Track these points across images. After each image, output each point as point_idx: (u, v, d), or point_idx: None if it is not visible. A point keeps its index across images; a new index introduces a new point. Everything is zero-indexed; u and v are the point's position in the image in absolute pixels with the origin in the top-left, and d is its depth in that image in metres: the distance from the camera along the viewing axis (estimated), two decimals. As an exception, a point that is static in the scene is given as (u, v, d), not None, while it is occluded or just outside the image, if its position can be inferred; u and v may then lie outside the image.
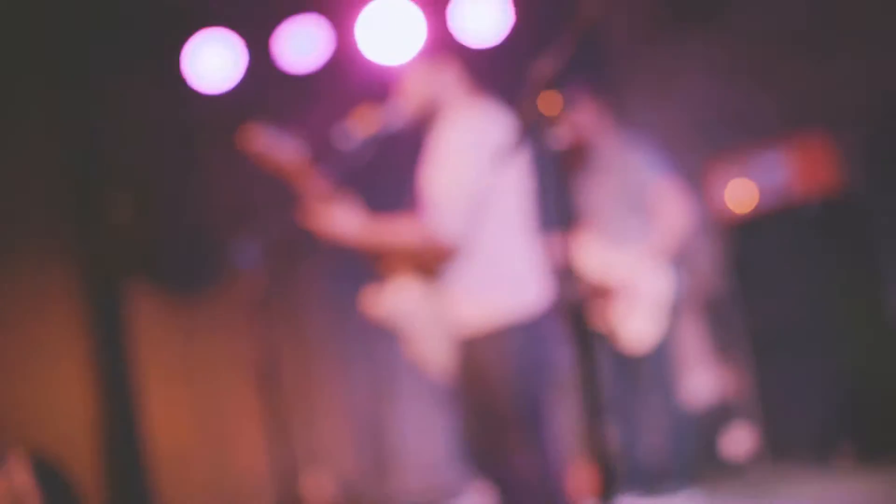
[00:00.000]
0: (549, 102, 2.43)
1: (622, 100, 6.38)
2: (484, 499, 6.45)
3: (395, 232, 3.62)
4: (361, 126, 3.72)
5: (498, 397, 3.56)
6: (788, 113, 6.94)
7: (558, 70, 2.43)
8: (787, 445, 6.00)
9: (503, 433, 3.56)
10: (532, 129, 2.43)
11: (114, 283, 6.16)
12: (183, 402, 6.60)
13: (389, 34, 5.74)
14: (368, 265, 3.82)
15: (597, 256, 5.33)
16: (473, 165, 3.56)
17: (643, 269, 5.26)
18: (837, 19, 6.61)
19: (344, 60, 6.06)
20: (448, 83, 3.82)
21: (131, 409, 6.03)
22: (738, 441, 6.17)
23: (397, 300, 3.70)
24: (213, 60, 6.23)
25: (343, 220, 3.60)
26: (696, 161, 6.44)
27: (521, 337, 3.58)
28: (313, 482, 6.46)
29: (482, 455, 3.66)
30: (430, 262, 3.59)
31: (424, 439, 6.87)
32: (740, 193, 6.31)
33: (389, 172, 4.16)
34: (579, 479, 6.26)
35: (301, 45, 6.26)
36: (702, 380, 6.23)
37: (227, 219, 6.68)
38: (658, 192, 5.37)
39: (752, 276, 6.23)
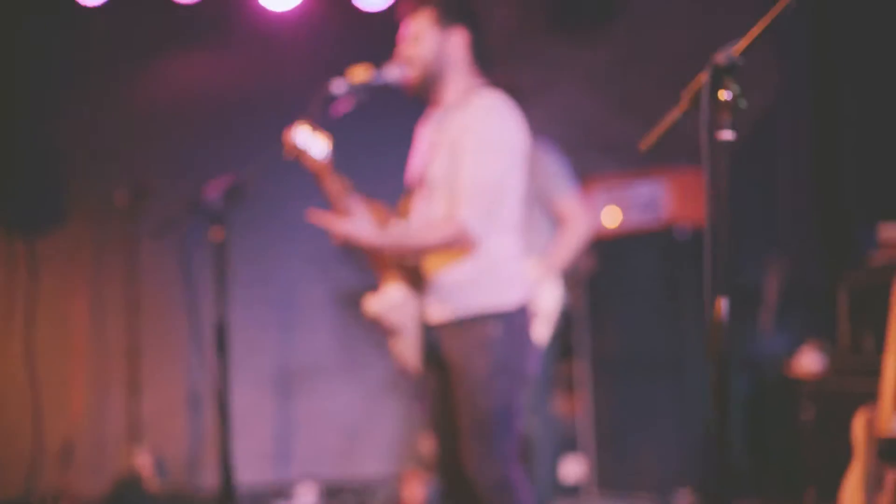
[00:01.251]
0: (723, 89, 2.26)
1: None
2: (312, 500, 6.24)
3: (415, 234, 3.39)
4: (355, 75, 3.48)
5: (482, 387, 3.39)
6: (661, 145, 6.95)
7: (735, 57, 2.25)
8: (623, 479, 5.95)
9: (483, 426, 3.39)
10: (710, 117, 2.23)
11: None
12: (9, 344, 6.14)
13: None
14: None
15: None
16: (504, 160, 3.47)
17: (545, 279, 5.14)
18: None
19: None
20: (455, 53, 3.58)
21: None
22: (574, 467, 6.09)
23: (389, 301, 3.54)
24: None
25: (364, 226, 3.33)
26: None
27: (507, 325, 3.48)
28: (135, 456, 6.00)
29: (457, 453, 3.46)
30: (440, 260, 3.40)
31: (259, 430, 6.54)
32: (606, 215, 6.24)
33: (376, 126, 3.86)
34: (412, 487, 6.07)
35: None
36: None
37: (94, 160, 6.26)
38: (566, 202, 5.25)
39: (606, 296, 6.16)
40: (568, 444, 6.08)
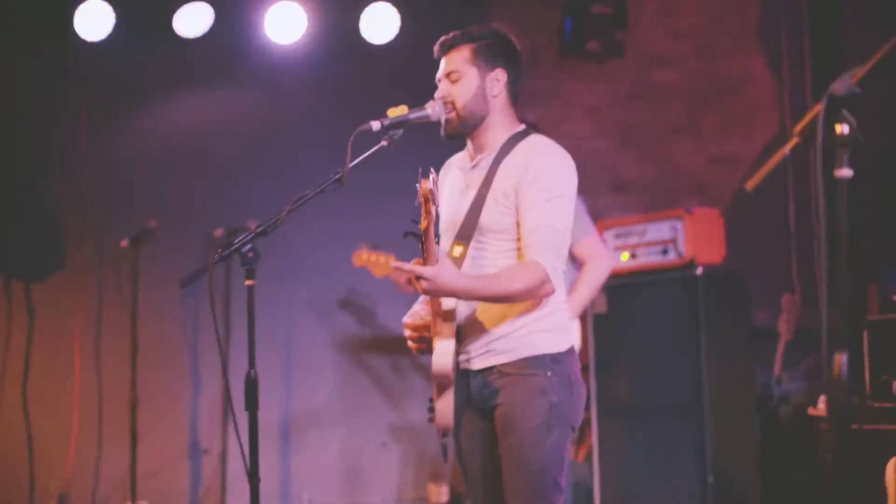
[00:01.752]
0: (839, 122, 2.15)
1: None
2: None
3: (500, 281, 3.29)
4: (392, 112, 3.36)
5: (535, 437, 3.26)
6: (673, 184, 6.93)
7: (854, 86, 2.14)
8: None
9: (534, 481, 3.25)
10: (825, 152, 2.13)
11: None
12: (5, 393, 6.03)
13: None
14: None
15: None
16: (569, 206, 3.40)
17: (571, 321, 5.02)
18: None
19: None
20: (495, 94, 3.46)
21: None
22: None
23: (447, 355, 3.38)
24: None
25: (451, 274, 3.22)
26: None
27: (561, 371, 3.39)
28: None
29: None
30: (502, 307, 3.35)
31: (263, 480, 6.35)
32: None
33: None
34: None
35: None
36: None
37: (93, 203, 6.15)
38: (587, 242, 5.15)
39: (614, 337, 6.02)
40: (582, 493, 5.95)
